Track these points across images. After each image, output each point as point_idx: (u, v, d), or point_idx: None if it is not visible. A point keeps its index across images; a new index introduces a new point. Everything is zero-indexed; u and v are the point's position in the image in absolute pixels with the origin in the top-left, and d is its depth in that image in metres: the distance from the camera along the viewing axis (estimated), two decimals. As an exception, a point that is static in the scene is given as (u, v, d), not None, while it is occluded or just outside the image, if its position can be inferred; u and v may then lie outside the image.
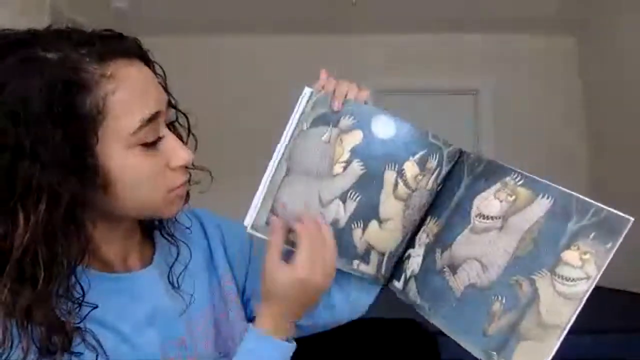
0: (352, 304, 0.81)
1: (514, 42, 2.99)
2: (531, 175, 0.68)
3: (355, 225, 0.74)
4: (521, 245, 0.66)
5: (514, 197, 0.69)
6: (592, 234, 0.62)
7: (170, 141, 0.62)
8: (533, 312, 0.62)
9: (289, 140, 0.73)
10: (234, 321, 0.75)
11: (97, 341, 0.58)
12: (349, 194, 0.73)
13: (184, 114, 0.69)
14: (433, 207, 0.77)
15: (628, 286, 2.40)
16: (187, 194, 0.68)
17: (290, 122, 0.73)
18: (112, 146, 0.57)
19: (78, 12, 2.44)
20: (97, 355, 0.57)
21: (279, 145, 0.72)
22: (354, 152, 0.73)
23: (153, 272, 0.68)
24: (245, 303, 0.79)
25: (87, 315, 0.58)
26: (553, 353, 0.60)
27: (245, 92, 2.98)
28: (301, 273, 0.65)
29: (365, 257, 0.75)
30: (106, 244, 0.65)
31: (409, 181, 0.74)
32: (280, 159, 0.72)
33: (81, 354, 0.57)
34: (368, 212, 0.74)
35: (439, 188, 0.77)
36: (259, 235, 0.71)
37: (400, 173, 0.74)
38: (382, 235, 0.75)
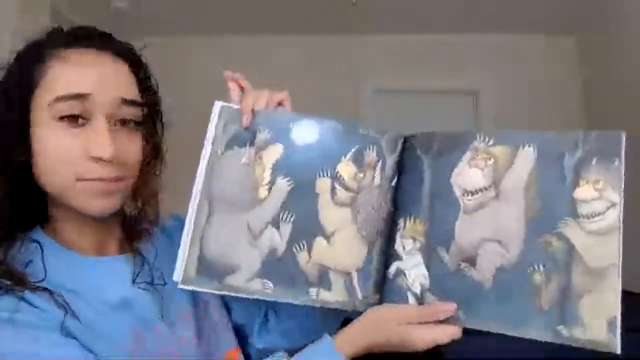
0: (305, 330, 0.76)
1: (514, 42, 2.99)
2: (498, 131, 0.63)
3: (298, 248, 0.65)
4: (528, 205, 0.59)
5: (492, 159, 0.62)
6: (594, 160, 0.58)
7: (95, 130, 0.61)
8: (577, 264, 0.57)
9: (205, 173, 0.65)
10: (214, 316, 0.74)
11: (67, 303, 0.58)
12: (281, 217, 0.65)
13: (161, 120, 0.70)
14: (401, 206, 0.67)
15: (628, 286, 2.40)
16: (156, 203, 0.69)
17: (203, 151, 0.65)
18: (38, 116, 0.61)
19: (78, 12, 2.45)
20: (65, 314, 0.58)
21: (195, 183, 0.65)
22: (277, 169, 0.65)
23: (125, 262, 0.68)
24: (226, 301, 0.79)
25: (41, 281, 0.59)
26: (620, 294, 0.55)
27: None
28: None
29: (323, 283, 0.65)
30: (70, 229, 0.66)
31: (348, 183, 0.66)
32: (200, 198, 0.64)
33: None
34: (309, 230, 0.65)
35: (394, 183, 0.68)
36: (193, 288, 0.64)
37: (336, 177, 0.66)
38: (335, 251, 0.65)
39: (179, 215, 0.75)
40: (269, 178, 0.65)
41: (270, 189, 0.65)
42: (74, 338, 0.58)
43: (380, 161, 0.68)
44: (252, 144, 0.66)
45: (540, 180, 0.60)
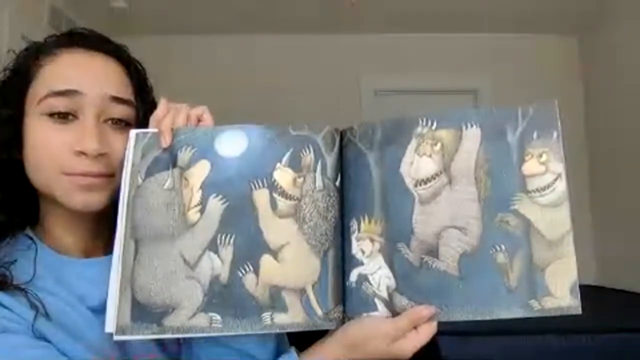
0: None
1: (514, 42, 2.99)
2: (439, 113, 0.61)
3: (243, 271, 0.58)
4: (480, 185, 0.59)
5: (439, 144, 0.60)
6: (535, 133, 0.60)
7: (83, 125, 0.63)
8: (535, 238, 0.58)
9: (127, 209, 0.59)
10: None
11: (40, 302, 0.58)
12: (219, 240, 0.59)
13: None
14: (352, 208, 0.63)
15: (628, 286, 2.40)
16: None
17: (122, 186, 0.60)
18: (31, 111, 0.64)
19: (78, 12, 2.44)
20: (36, 315, 0.57)
21: (118, 221, 0.59)
22: (206, 187, 0.60)
23: (108, 264, 0.67)
24: None
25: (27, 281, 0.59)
26: (575, 257, 0.57)
27: (244, 92, 2.97)
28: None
29: (276, 305, 0.58)
30: (59, 228, 0.67)
31: (288, 190, 0.61)
32: (125, 236, 0.59)
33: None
34: (253, 250, 0.59)
35: (338, 183, 0.63)
36: (129, 338, 0.57)
37: (273, 186, 0.60)
38: (285, 268, 0.59)
39: None
40: (199, 199, 0.60)
41: (202, 211, 0.59)
42: (48, 340, 0.57)
43: (320, 162, 0.62)
44: (174, 165, 0.61)
45: (489, 159, 0.60)
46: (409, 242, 0.60)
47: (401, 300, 0.60)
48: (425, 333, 0.60)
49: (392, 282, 0.60)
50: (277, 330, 0.60)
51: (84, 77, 0.64)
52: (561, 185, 0.58)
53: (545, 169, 0.59)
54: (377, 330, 0.60)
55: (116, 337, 0.57)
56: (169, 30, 2.86)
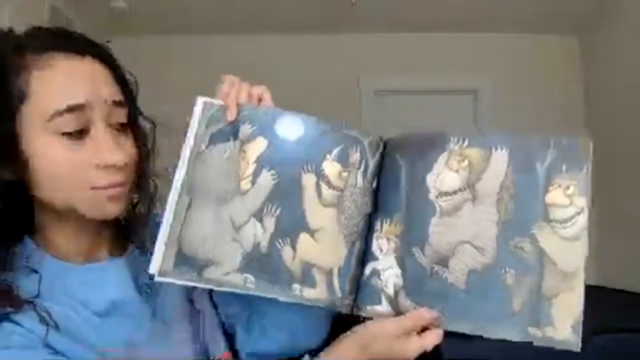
0: (292, 332, 0.75)
1: (514, 42, 2.99)
2: (472, 133, 0.63)
3: (282, 243, 0.64)
4: (502, 207, 0.61)
5: (466, 161, 0.63)
6: (564, 166, 0.60)
7: (99, 138, 0.61)
8: (547, 267, 0.59)
9: (187, 168, 0.64)
10: (207, 319, 0.74)
11: (49, 314, 0.58)
12: (264, 210, 0.64)
13: (152, 121, 0.70)
14: (379, 209, 0.67)
15: (628, 286, 2.40)
16: (152, 201, 0.69)
17: (185, 146, 0.64)
18: (32, 131, 0.59)
19: (78, 12, 2.44)
20: (47, 329, 0.57)
21: (176, 177, 0.64)
22: (261, 162, 0.64)
23: (115, 266, 0.67)
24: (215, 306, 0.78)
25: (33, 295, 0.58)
26: (583, 296, 0.58)
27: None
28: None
29: (306, 279, 0.64)
30: (63, 237, 0.66)
31: (334, 182, 0.66)
32: (181, 191, 0.63)
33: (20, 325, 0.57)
34: (293, 225, 0.64)
35: (375, 186, 0.68)
36: (169, 281, 0.62)
37: (321, 175, 0.65)
38: (319, 248, 0.65)
39: None
40: (252, 171, 0.64)
41: (253, 182, 0.64)
42: (62, 354, 0.57)
43: (364, 162, 0.67)
44: (235, 137, 0.65)
45: (514, 183, 0.61)
46: (423, 248, 0.63)
47: (405, 301, 0.63)
48: (430, 340, 0.61)
49: (399, 281, 0.64)
50: (303, 302, 0.64)
51: (86, 86, 0.61)
52: (582, 220, 0.59)
53: (570, 202, 0.60)
54: (382, 329, 0.61)
55: (157, 279, 0.61)
56: (169, 30, 2.86)
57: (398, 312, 0.63)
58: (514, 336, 0.59)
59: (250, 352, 0.77)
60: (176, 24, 2.83)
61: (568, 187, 0.60)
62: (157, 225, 0.75)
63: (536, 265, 0.59)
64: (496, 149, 0.62)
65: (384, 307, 0.64)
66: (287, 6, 2.68)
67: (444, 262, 0.62)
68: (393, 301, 0.64)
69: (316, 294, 0.64)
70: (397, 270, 0.64)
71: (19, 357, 0.55)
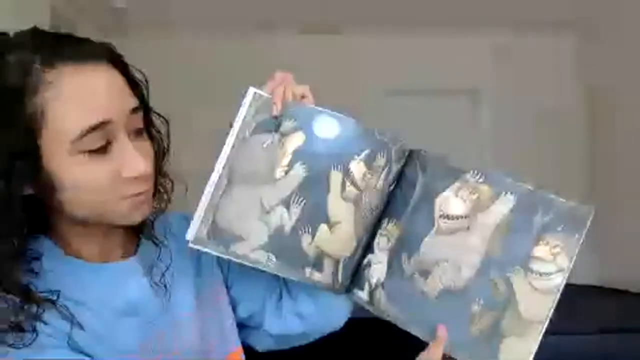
0: (323, 311, 0.77)
1: (514, 42, 2.98)
2: (490, 172, 0.68)
3: (303, 230, 0.70)
4: (491, 244, 0.66)
5: (476, 195, 0.68)
6: (560, 227, 0.64)
7: (123, 150, 0.60)
8: (512, 310, 0.64)
9: (230, 152, 0.69)
10: (219, 315, 0.75)
11: (72, 315, 0.59)
12: (292, 199, 0.69)
13: (165, 119, 0.70)
14: (388, 209, 0.74)
15: (628, 286, 2.40)
16: (169, 199, 0.70)
17: (232, 130, 0.70)
18: (56, 151, 0.58)
19: (78, 12, 2.44)
20: (71, 326, 0.58)
21: (220, 156, 0.69)
22: (297, 155, 0.70)
23: (130, 267, 0.68)
24: (233, 306, 0.79)
25: (53, 293, 0.59)
26: (536, 348, 0.61)
27: (245, 92, 2.98)
28: None
29: (317, 265, 0.71)
30: (78, 237, 0.66)
31: (357, 181, 0.71)
32: (221, 172, 0.69)
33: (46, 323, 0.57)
34: (315, 216, 0.70)
35: (391, 188, 0.74)
36: (201, 248, 0.68)
37: (347, 173, 0.71)
38: (334, 239, 0.71)
39: (187, 216, 0.75)
40: (288, 162, 0.69)
41: (287, 172, 0.69)
42: (81, 351, 0.57)
43: (387, 167, 0.72)
44: (277, 130, 0.70)
45: (510, 227, 0.66)
46: (411, 256, 0.70)
47: (381, 295, 0.72)
48: None
49: (382, 277, 0.72)
50: (310, 283, 0.71)
51: (107, 100, 0.60)
52: (560, 279, 0.63)
53: (553, 259, 0.63)
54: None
55: (191, 245, 0.67)
56: (169, 30, 2.86)
57: (372, 302, 0.72)
58: (462, 356, 0.65)
59: (277, 333, 0.78)
60: (176, 24, 2.83)
61: (555, 247, 0.63)
62: (170, 228, 0.76)
63: (503, 304, 0.64)
64: (505, 193, 0.67)
65: (364, 294, 0.73)
66: (287, 6, 2.67)
67: (424, 274, 0.69)
68: (372, 291, 0.73)
69: (322, 278, 0.71)
70: (384, 268, 0.72)
71: (62, 355, 0.56)
